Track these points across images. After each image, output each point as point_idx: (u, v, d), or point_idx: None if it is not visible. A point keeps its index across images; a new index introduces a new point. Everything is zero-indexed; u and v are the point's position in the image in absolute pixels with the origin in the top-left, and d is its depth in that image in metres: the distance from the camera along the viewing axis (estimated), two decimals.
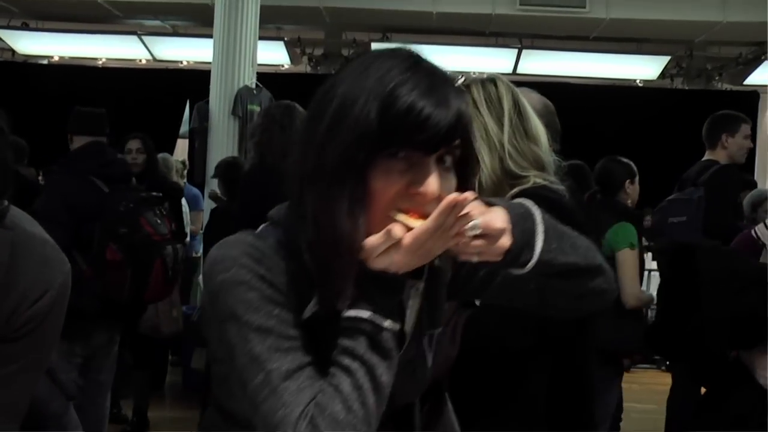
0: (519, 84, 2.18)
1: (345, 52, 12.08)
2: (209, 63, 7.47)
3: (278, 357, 1.14)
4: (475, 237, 1.11)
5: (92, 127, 4.19)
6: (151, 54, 12.27)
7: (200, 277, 5.97)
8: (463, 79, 1.93)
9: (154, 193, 4.33)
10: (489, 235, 1.12)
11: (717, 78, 12.55)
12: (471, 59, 10.78)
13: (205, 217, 6.52)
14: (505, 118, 2.01)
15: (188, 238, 6.59)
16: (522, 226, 1.19)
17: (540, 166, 2.01)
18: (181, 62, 12.27)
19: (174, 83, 10.83)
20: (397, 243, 1.10)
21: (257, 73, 7.72)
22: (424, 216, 1.11)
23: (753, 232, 3.17)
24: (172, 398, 6.22)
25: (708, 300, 2.25)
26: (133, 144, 5.63)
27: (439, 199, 1.12)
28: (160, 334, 4.71)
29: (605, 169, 4.72)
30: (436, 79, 1.18)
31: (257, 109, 7.21)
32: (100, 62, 12.74)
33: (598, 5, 10.03)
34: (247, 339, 1.15)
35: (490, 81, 2.07)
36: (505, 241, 1.15)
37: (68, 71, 12.43)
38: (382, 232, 1.10)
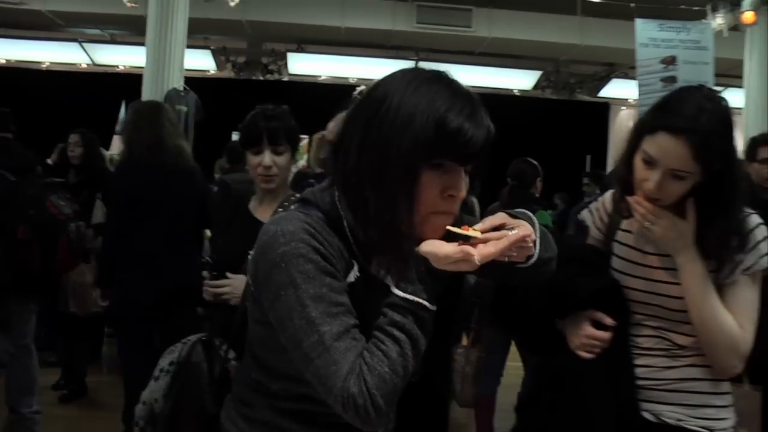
0: None
1: (264, 60, 11.99)
2: (143, 67, 7.25)
3: (330, 321, 1.20)
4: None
5: None
6: (91, 59, 12.09)
7: None
8: (363, 88, 1.93)
9: (57, 180, 4.54)
10: (526, 245, 1.21)
11: (578, 90, 12.93)
12: (374, 69, 10.37)
13: None
14: None
15: None
16: (541, 235, 1.32)
17: None
18: (118, 67, 12.02)
19: (111, 85, 10.50)
20: (468, 259, 1.15)
21: (186, 77, 7.54)
22: (468, 224, 1.23)
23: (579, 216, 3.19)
24: (108, 366, 6.04)
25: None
26: (73, 138, 5.64)
27: (462, 198, 1.27)
28: (88, 312, 4.61)
29: (520, 168, 4.91)
30: (474, 104, 1.25)
31: (185, 109, 7.17)
32: (44, 66, 12.42)
33: (482, 26, 10.32)
34: (304, 304, 1.20)
35: None
36: (533, 248, 1.26)
37: (14, 74, 12.06)
38: (460, 249, 1.15)
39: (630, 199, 1.80)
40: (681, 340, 1.84)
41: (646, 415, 1.84)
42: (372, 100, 1.29)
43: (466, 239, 1.18)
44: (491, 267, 1.19)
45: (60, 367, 5.46)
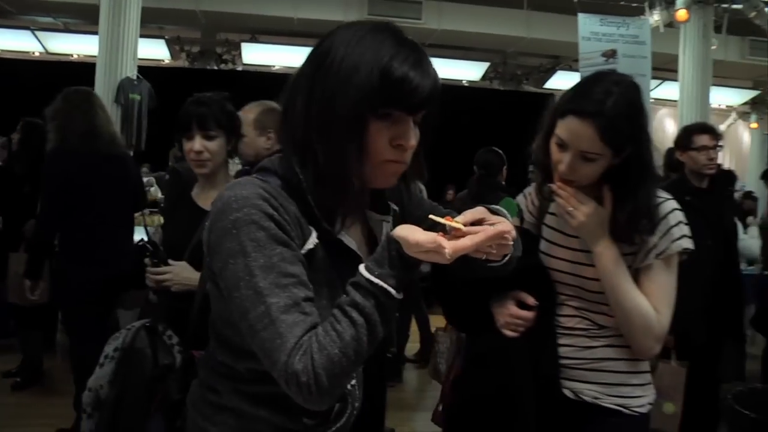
0: None
1: (219, 49, 11.84)
2: (96, 56, 7.11)
3: (278, 292, 1.13)
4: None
5: None
6: (44, 47, 11.71)
7: None
8: None
9: None
10: (506, 242, 1.14)
11: (525, 82, 13.02)
12: None
13: None
14: None
15: None
16: (518, 234, 1.26)
17: None
18: (72, 55, 11.67)
19: (64, 74, 10.21)
20: (439, 251, 1.08)
21: (141, 66, 7.41)
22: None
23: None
24: (62, 354, 5.95)
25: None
26: (19, 127, 5.41)
27: (413, 147, 1.24)
28: (27, 303, 4.38)
29: (487, 158, 4.94)
30: (420, 53, 1.22)
31: (138, 97, 7.09)
32: None
33: (432, 18, 10.36)
34: (252, 274, 1.14)
35: None
36: (511, 247, 1.19)
37: None
38: (433, 239, 1.08)
39: (553, 185, 1.84)
40: (601, 320, 1.88)
41: (567, 392, 1.89)
42: (317, 55, 1.25)
43: (446, 231, 1.12)
44: (460, 260, 1.12)
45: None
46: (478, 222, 1.15)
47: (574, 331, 1.91)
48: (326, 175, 1.21)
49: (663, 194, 1.85)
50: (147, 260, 2.35)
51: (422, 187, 3.94)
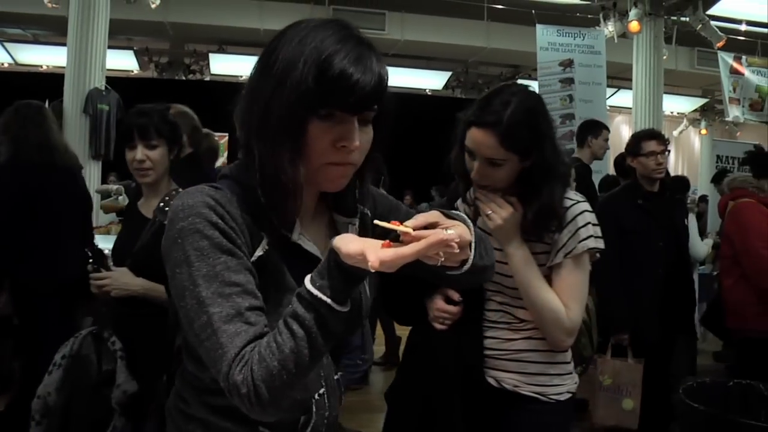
0: None
1: (187, 60, 11.76)
2: (65, 67, 7.03)
3: (220, 302, 1.08)
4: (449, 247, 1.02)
5: None
6: (13, 59, 11.54)
7: None
8: None
9: None
10: (460, 247, 1.04)
11: (486, 90, 12.91)
12: None
13: None
14: None
15: None
16: (477, 240, 1.18)
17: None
18: (41, 66, 11.54)
19: (34, 85, 10.08)
20: (363, 264, 0.98)
21: (110, 77, 7.34)
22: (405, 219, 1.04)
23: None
24: None
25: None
26: None
27: (358, 148, 1.14)
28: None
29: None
30: (363, 49, 1.13)
31: (106, 108, 6.99)
32: None
33: (395, 29, 10.37)
34: (196, 283, 1.10)
35: None
36: (468, 252, 1.14)
37: None
38: (360, 250, 0.97)
39: (477, 193, 1.93)
40: (521, 314, 1.97)
41: (490, 380, 1.98)
42: (263, 56, 1.19)
43: (395, 238, 1.01)
44: (421, 268, 1.05)
45: None
46: (431, 226, 1.04)
47: (498, 324, 2.00)
48: (264, 177, 1.15)
49: (575, 196, 1.92)
50: (89, 266, 2.35)
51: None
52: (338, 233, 1.27)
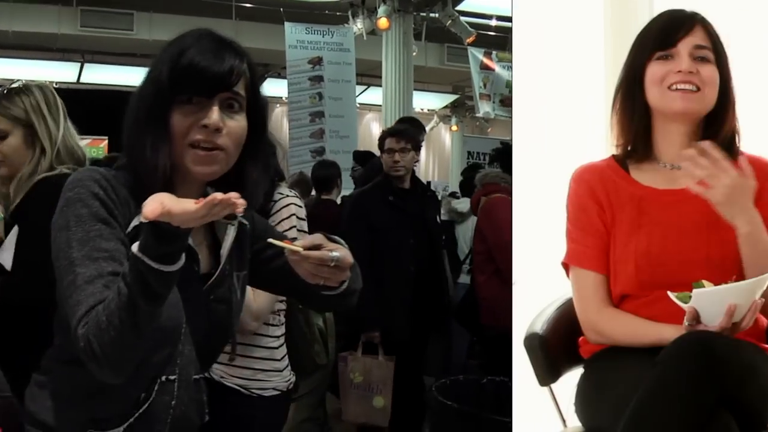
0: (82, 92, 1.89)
1: None
2: None
3: (88, 264, 1.13)
4: (333, 267, 1.15)
5: None
6: None
7: None
8: (20, 83, 2.06)
9: None
10: (342, 268, 1.17)
11: None
12: (41, 71, 10.89)
13: None
14: (61, 119, 2.07)
15: None
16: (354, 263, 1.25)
17: (79, 161, 2.07)
18: None
19: None
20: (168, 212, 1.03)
21: None
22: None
23: None
24: None
25: None
26: None
27: (221, 130, 1.20)
28: None
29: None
30: (218, 45, 1.23)
31: None
32: None
33: (144, 29, 10.20)
34: (70, 246, 1.15)
35: (46, 88, 2.11)
36: (347, 274, 1.21)
37: None
38: (156, 198, 1.03)
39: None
40: None
41: (213, 374, 1.96)
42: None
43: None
44: (295, 287, 1.19)
45: None
46: (316, 247, 1.16)
47: None
48: (131, 161, 1.23)
49: (286, 192, 2.05)
50: None
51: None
52: (217, 232, 1.35)
